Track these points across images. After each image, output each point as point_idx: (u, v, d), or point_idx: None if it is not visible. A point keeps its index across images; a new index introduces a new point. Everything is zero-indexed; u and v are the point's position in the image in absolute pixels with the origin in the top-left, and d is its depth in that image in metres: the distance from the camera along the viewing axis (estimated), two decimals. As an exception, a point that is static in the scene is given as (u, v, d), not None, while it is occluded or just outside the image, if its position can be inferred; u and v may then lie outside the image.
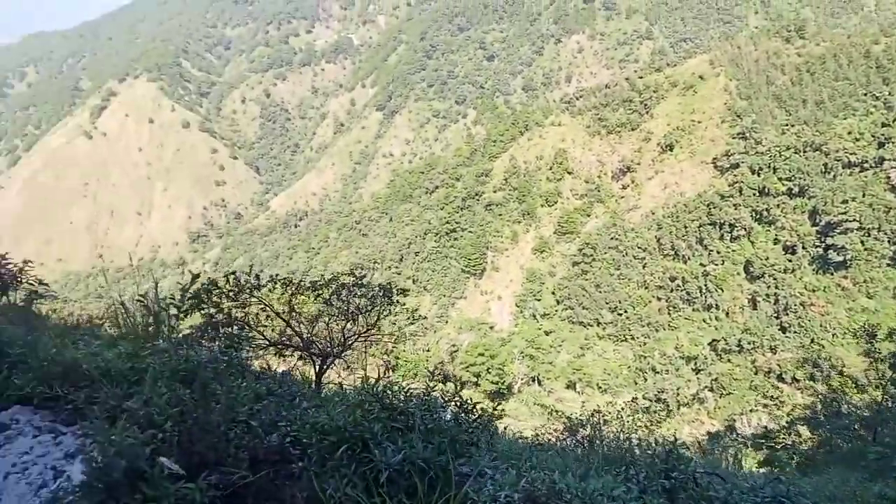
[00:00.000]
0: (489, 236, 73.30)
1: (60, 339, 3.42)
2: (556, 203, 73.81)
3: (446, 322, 69.17)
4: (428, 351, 59.79)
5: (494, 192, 78.04)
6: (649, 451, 4.29)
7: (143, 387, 2.55)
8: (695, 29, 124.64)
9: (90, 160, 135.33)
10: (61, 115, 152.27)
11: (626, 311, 61.19)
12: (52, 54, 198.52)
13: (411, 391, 2.76)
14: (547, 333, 63.35)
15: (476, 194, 78.99)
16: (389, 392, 2.68)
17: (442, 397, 2.83)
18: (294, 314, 5.38)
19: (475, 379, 53.56)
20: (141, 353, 3.14)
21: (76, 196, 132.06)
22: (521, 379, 58.66)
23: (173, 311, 4.37)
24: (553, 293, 66.88)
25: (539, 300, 67.30)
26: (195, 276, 4.78)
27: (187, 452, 2.18)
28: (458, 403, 2.78)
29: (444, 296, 71.96)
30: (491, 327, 67.08)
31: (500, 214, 75.12)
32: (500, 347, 58.92)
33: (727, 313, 55.62)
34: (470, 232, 74.61)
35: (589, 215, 70.98)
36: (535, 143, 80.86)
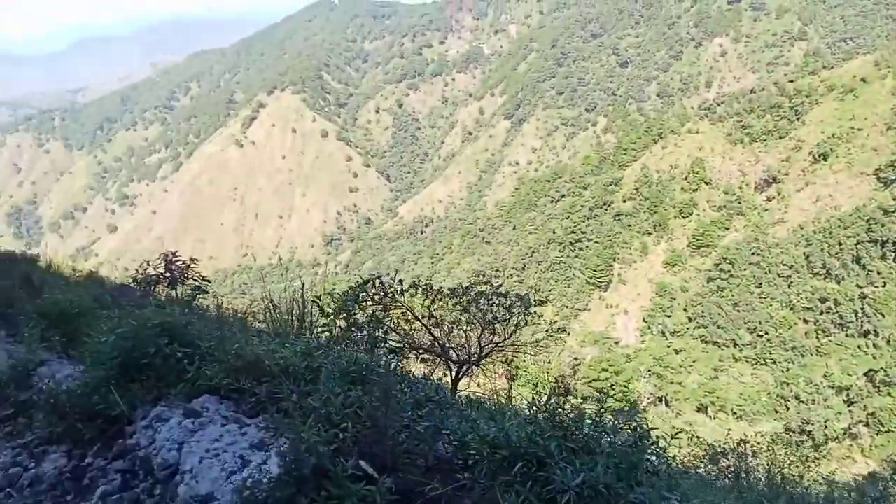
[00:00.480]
0: (617, 248, 73.51)
1: (243, 334, 3.89)
2: (690, 215, 72.49)
3: (568, 334, 70.28)
4: (549, 363, 60.98)
5: (624, 201, 77.95)
6: (807, 492, 4.43)
7: (318, 385, 2.81)
8: (857, 28, 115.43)
9: (240, 166, 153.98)
10: (217, 126, 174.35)
11: (767, 333, 58.79)
12: (212, 70, 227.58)
13: (583, 409, 2.76)
14: (677, 352, 61.60)
15: (604, 204, 79.25)
16: (562, 409, 2.68)
17: (614, 418, 2.76)
18: (433, 320, 5.65)
19: (598, 395, 54.37)
20: (314, 353, 3.39)
21: (227, 199, 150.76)
22: (647, 398, 57.99)
23: (318, 310, 4.83)
24: (685, 310, 65.53)
25: (669, 316, 66.03)
26: (366, 281, 5.34)
27: (366, 454, 2.30)
28: (634, 427, 2.68)
29: (567, 307, 73.31)
30: (616, 342, 66.50)
31: (630, 225, 75.08)
32: (625, 364, 58.64)
33: (888, 341, 52.24)
34: (596, 242, 75.28)
35: (727, 228, 69.10)
36: (670, 151, 79.92)
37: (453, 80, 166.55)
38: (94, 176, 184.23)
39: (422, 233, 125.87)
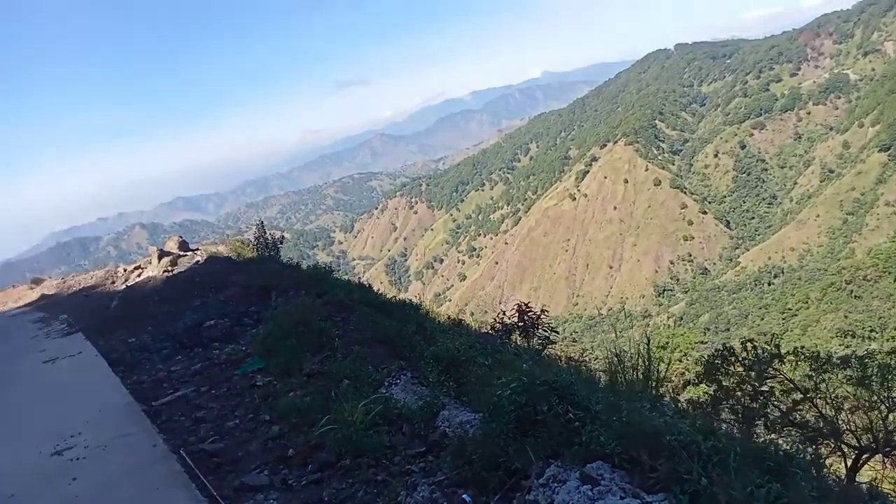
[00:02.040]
0: None
1: (635, 401, 3.74)
2: None
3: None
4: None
5: None
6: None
7: (726, 469, 2.63)
8: None
9: (572, 218, 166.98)
10: (553, 181, 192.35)
11: None
12: (549, 130, 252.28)
13: None
14: None
15: None
16: None
17: None
18: (820, 393, 5.04)
19: None
20: (717, 432, 3.22)
21: (559, 250, 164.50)
22: None
23: (664, 366, 4.69)
24: None
25: None
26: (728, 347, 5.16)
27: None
28: None
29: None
30: None
31: None
32: None
33: None
34: None
35: None
36: None
37: (808, 113, 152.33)
38: (449, 231, 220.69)
39: (769, 284, 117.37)
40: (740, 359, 5.34)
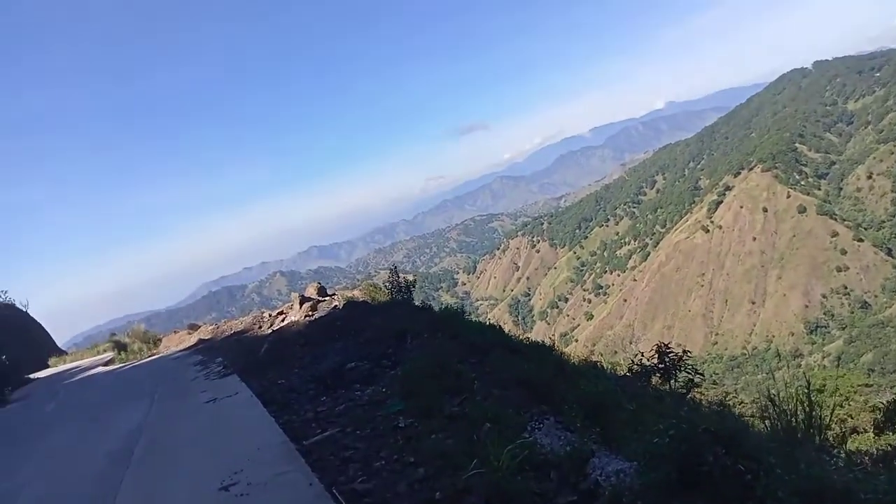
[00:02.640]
0: None
1: (813, 453, 3.56)
2: None
3: None
4: None
5: None
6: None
7: None
8: None
9: (706, 252, 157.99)
10: (682, 214, 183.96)
11: None
12: (676, 161, 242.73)
13: None
14: None
15: None
16: None
17: None
18: None
19: None
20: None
21: (693, 285, 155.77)
22: None
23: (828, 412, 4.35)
24: None
25: None
26: None
27: None
28: None
29: None
30: None
31: None
32: None
33: None
34: None
35: None
36: None
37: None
38: (573, 269, 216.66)
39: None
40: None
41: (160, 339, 26.01)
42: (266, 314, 20.93)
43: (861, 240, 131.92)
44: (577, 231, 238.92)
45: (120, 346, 26.07)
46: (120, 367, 21.90)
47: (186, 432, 8.29)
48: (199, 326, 25.61)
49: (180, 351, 20.56)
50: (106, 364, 24.24)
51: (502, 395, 6.85)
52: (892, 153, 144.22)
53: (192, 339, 22.41)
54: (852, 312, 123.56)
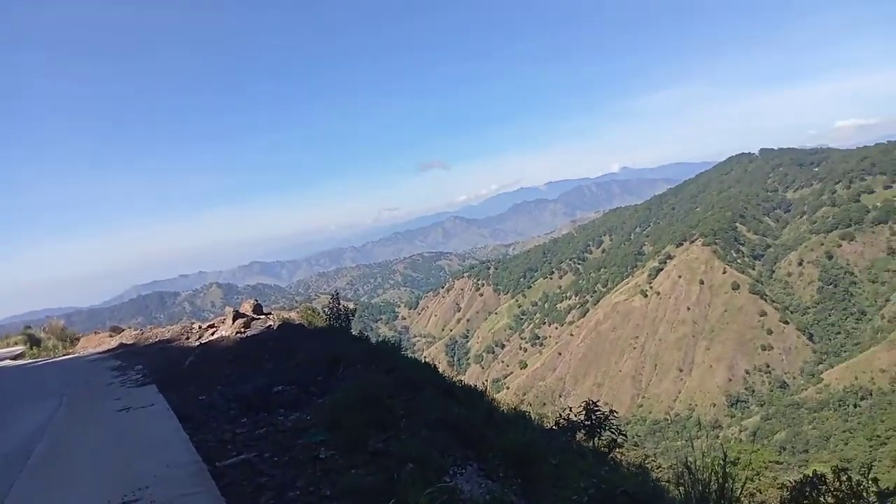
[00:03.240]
0: None
1: None
2: None
3: None
4: None
5: None
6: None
7: None
8: None
9: (642, 315, 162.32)
10: (624, 276, 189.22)
11: None
12: (624, 225, 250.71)
13: None
14: None
15: None
16: None
17: None
18: None
19: None
20: None
21: (627, 346, 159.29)
22: None
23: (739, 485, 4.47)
24: None
25: None
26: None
27: None
28: None
29: None
30: None
31: None
32: None
33: None
34: None
35: None
36: None
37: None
38: (513, 317, 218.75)
39: (855, 406, 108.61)
40: (832, 490, 4.88)
41: (78, 339, 24.83)
42: (196, 325, 20.26)
43: (787, 322, 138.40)
44: (522, 280, 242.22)
45: (33, 341, 24.74)
46: (30, 363, 20.74)
47: (92, 440, 7.81)
48: (123, 330, 24.57)
49: (99, 353, 19.65)
50: (14, 358, 22.89)
51: (430, 436, 6.74)
52: (822, 244, 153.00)
53: (113, 343, 21.50)
54: (771, 391, 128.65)
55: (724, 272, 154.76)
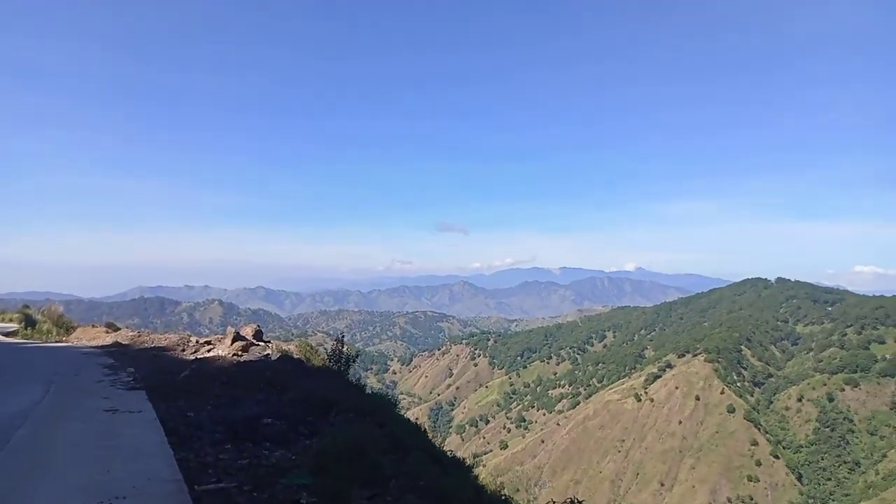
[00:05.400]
0: None
1: None
2: None
3: None
4: None
5: None
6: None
7: None
8: None
9: (633, 419, 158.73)
10: (621, 375, 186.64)
11: None
12: (630, 325, 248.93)
13: None
14: None
15: None
16: None
17: None
18: None
19: None
20: None
21: (611, 448, 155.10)
22: None
23: None
24: None
25: None
26: None
27: None
28: None
29: None
30: None
31: None
32: None
33: None
34: None
35: None
36: None
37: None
38: (504, 394, 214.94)
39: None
40: None
41: (74, 328, 24.91)
42: (193, 339, 20.25)
43: (777, 457, 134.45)
44: (519, 358, 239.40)
45: (29, 322, 24.87)
46: (22, 343, 20.79)
47: (74, 436, 7.67)
48: (119, 329, 24.61)
49: (92, 347, 19.67)
50: (7, 335, 22.96)
51: (416, 503, 6.52)
52: (825, 385, 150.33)
53: (108, 339, 21.53)
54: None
55: (722, 392, 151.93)
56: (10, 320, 27.08)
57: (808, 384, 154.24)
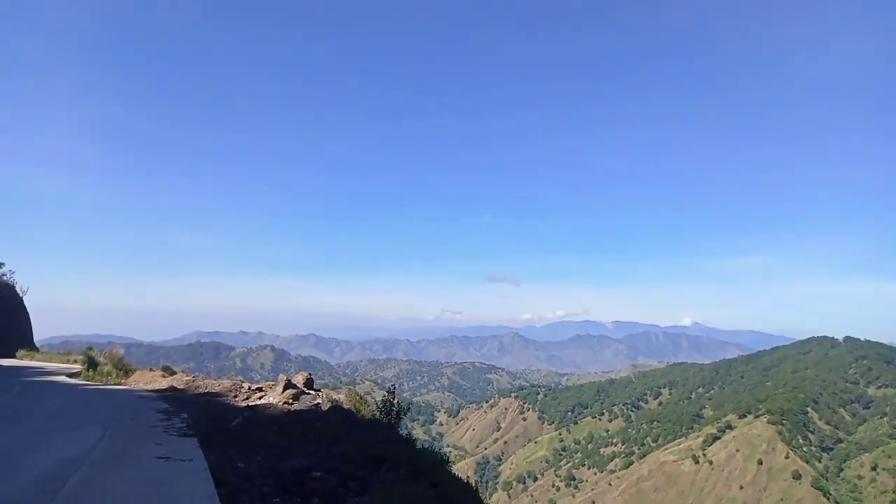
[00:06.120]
0: None
1: None
2: None
3: None
4: None
5: None
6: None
7: None
8: None
9: (690, 482, 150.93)
10: (677, 435, 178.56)
11: None
12: (687, 382, 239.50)
13: None
14: None
15: None
16: None
17: None
18: None
19: None
20: None
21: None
22: None
23: None
24: None
25: None
26: None
27: None
28: None
29: None
30: None
31: None
32: None
33: None
34: None
35: None
36: None
37: None
38: (553, 451, 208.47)
39: None
40: None
41: (133, 371, 25.83)
42: (245, 385, 20.70)
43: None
44: (570, 413, 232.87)
45: (91, 363, 25.91)
46: (83, 384, 21.68)
47: (126, 485, 7.83)
48: (175, 373, 25.37)
49: (148, 391, 20.34)
50: (71, 375, 24.01)
51: None
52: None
53: (164, 384, 22.19)
54: None
55: (787, 457, 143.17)
56: (75, 361, 28.45)
57: (884, 451, 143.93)
